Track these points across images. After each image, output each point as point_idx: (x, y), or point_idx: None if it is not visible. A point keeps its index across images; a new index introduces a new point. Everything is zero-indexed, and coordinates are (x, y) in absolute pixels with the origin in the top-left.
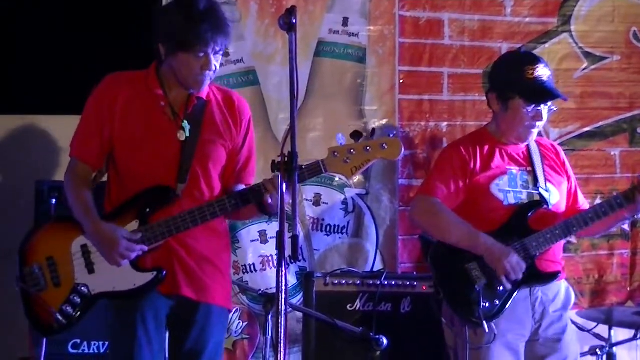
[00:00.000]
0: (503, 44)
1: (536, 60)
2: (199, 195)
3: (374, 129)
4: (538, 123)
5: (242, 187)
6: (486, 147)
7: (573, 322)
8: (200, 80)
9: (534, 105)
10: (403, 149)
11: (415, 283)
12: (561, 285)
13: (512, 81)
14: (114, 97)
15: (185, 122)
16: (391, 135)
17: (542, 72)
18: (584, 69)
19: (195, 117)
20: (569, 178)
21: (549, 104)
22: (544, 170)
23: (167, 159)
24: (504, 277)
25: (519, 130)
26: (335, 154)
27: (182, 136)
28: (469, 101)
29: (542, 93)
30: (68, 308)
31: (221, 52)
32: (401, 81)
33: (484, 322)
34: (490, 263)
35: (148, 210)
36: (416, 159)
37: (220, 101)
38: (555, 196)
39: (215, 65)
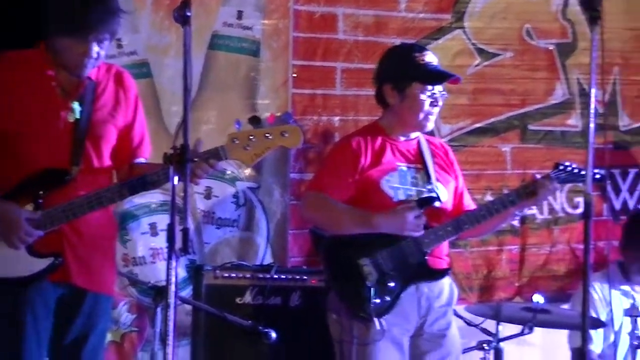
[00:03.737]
0: (397, 40)
1: (422, 47)
2: (92, 177)
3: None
4: (434, 109)
5: (140, 160)
6: (378, 142)
7: (461, 317)
8: (81, 65)
9: (431, 90)
10: (303, 137)
11: (305, 277)
12: (445, 282)
13: (406, 68)
14: (2, 77)
15: (76, 103)
16: (291, 122)
17: (431, 58)
18: (476, 65)
19: (86, 98)
20: (456, 177)
21: (442, 90)
22: (434, 169)
23: (59, 142)
24: (414, 232)
25: (418, 119)
26: (235, 140)
27: (72, 118)
28: (362, 96)
29: (437, 74)
30: None
31: (106, 41)
32: (294, 75)
33: (375, 319)
34: (395, 231)
35: (42, 193)
36: (308, 153)
37: (111, 78)
38: (444, 194)
39: (97, 53)
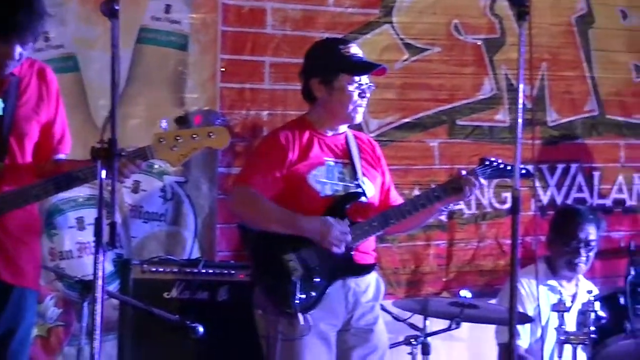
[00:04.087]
0: (325, 34)
1: (346, 40)
2: (17, 173)
3: (198, 114)
4: (363, 101)
5: (60, 157)
6: (306, 136)
7: (388, 312)
8: (2, 66)
9: (358, 81)
10: (230, 138)
11: (233, 272)
12: (372, 277)
13: (332, 61)
14: None
15: (0, 100)
16: (217, 123)
17: (355, 50)
18: (405, 60)
19: (10, 94)
20: (383, 173)
21: (369, 82)
22: (360, 164)
23: None
24: (335, 247)
25: (346, 111)
26: (162, 140)
27: None
28: (290, 90)
29: (363, 65)
30: None
31: (30, 43)
32: (223, 69)
33: (299, 314)
34: (317, 240)
35: None
36: (236, 148)
37: (34, 74)
38: (371, 190)
39: (20, 54)
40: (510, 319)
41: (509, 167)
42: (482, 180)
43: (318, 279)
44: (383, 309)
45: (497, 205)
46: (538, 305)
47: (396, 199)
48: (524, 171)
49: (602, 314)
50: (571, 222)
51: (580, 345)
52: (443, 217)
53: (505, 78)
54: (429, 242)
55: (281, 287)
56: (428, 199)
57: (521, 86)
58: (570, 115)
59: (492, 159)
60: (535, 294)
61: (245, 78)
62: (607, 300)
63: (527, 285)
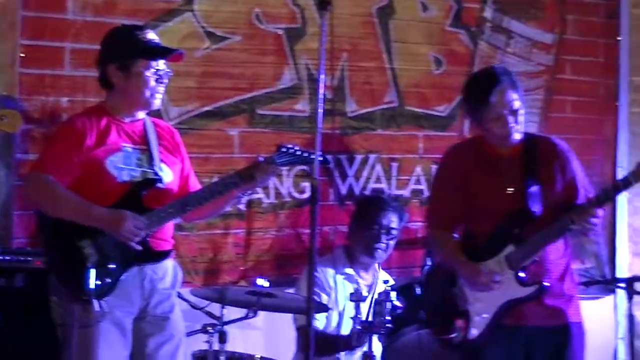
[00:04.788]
0: (127, 21)
1: (142, 26)
2: None
3: None
4: (160, 87)
5: None
6: (103, 122)
7: (186, 300)
8: None
9: (155, 66)
10: (22, 122)
11: (30, 258)
12: (169, 264)
13: (129, 46)
14: None
15: None
16: (10, 108)
17: (152, 35)
18: (205, 49)
19: None
20: (182, 160)
21: (167, 68)
22: (158, 150)
23: None
24: (129, 241)
25: (144, 96)
26: None
27: None
28: (90, 77)
29: (160, 50)
30: None
31: None
32: (22, 55)
33: (94, 300)
34: (110, 232)
35: None
36: (35, 134)
37: None
38: (169, 176)
39: None
40: (308, 308)
41: (305, 153)
42: (280, 167)
43: (113, 265)
44: (180, 297)
45: (296, 194)
46: (336, 294)
47: (195, 185)
48: (320, 158)
49: (398, 303)
50: (373, 209)
51: (376, 335)
52: (242, 206)
53: (305, 68)
54: (227, 231)
55: (76, 273)
56: (224, 185)
57: (322, 76)
58: (370, 106)
59: (289, 145)
60: (332, 282)
61: (45, 64)
62: (404, 290)
63: (322, 274)
